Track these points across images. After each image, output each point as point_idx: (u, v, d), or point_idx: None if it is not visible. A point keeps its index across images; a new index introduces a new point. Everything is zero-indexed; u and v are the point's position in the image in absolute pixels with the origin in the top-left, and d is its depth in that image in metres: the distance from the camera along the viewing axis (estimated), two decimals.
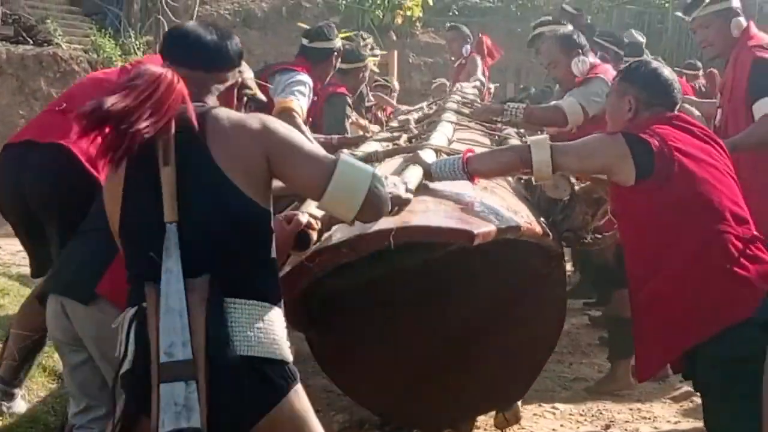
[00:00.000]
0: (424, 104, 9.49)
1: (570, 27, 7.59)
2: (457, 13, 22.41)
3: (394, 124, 7.79)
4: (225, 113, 3.15)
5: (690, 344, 3.89)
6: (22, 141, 4.82)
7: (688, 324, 3.89)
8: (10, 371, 5.15)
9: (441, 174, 4.47)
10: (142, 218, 3.03)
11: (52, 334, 4.09)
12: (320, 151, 3.27)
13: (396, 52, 15.46)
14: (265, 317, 3.00)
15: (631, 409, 6.24)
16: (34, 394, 5.55)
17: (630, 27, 20.65)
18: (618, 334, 6.53)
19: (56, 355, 5.94)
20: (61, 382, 5.65)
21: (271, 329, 3.01)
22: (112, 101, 2.88)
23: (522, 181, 5.36)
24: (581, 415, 6.11)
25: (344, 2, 20.42)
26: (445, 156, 4.84)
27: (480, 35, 11.70)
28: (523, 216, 4.45)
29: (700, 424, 5.54)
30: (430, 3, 21.31)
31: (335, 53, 7.18)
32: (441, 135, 5.65)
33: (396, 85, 12.74)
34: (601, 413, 6.13)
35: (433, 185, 4.41)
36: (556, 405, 6.01)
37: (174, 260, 2.90)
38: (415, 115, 7.93)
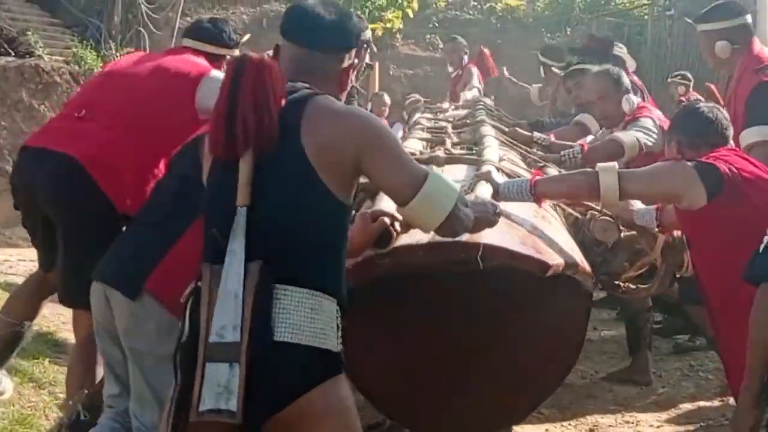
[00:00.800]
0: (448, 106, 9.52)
1: (611, 65, 7.58)
2: (437, 25, 22.47)
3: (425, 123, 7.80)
4: (326, 102, 3.18)
5: None
6: (39, 147, 4.93)
7: None
8: None
9: (509, 194, 4.54)
10: (218, 200, 3.12)
11: (95, 317, 4.08)
12: (411, 159, 3.34)
13: (377, 64, 15.52)
14: (315, 306, 3.01)
15: (614, 414, 6.29)
16: (26, 399, 5.57)
17: (610, 39, 20.89)
18: (638, 327, 6.79)
19: (45, 364, 6.01)
20: (49, 391, 5.72)
21: (319, 318, 3.02)
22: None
23: (572, 218, 5.39)
24: (565, 419, 6.16)
25: None
26: (506, 176, 4.93)
27: (481, 47, 11.85)
28: (577, 253, 4.49)
29: (682, 428, 5.63)
30: (411, 15, 21.38)
31: None
32: (494, 152, 5.67)
33: (387, 99, 12.86)
34: (584, 417, 6.18)
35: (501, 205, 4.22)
36: (541, 410, 6.04)
37: (239, 243, 2.95)
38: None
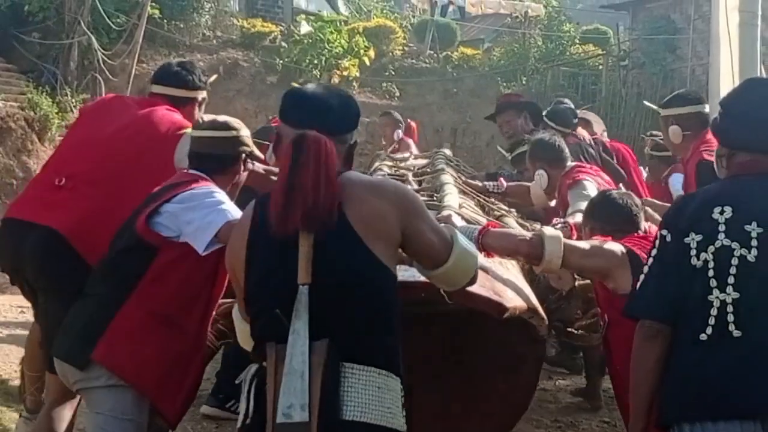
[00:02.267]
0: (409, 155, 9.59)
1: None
2: (393, 73, 22.60)
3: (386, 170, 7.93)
4: (358, 177, 3.26)
5: None
6: (21, 219, 5.00)
7: None
8: (34, 404, 5.35)
9: None
10: (273, 279, 3.09)
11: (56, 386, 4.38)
12: (437, 223, 3.45)
13: None
14: (381, 385, 3.01)
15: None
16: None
17: (564, 88, 21.09)
18: (592, 356, 7.00)
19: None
20: None
21: (387, 397, 3.02)
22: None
23: (528, 266, 5.24)
24: None
25: (281, 62, 20.54)
26: (465, 221, 5.00)
27: (408, 121, 11.98)
28: (533, 298, 4.52)
29: None
30: (367, 63, 21.50)
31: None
32: (454, 198, 5.78)
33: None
34: None
35: None
36: None
37: (303, 322, 2.94)
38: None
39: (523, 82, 22.05)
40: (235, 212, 4.06)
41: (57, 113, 16.11)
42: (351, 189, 3.14)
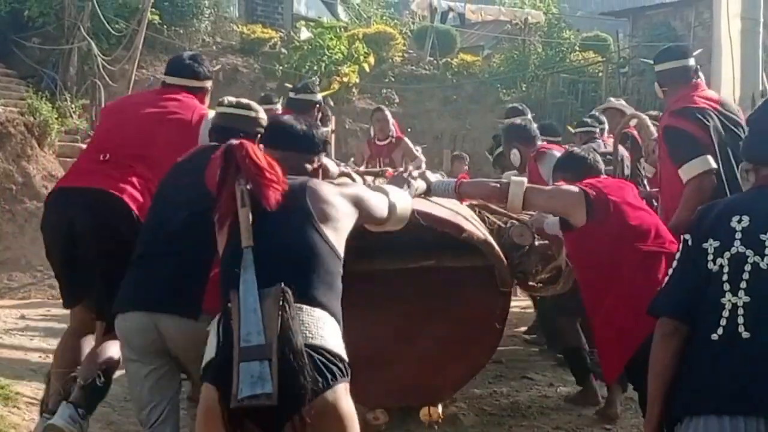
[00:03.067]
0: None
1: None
2: (393, 80, 22.63)
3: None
4: (319, 181, 4.14)
5: (640, 342, 4.36)
6: (75, 186, 5.67)
7: (637, 328, 4.49)
8: (57, 405, 5.47)
9: (437, 191, 5.65)
10: (232, 245, 3.86)
11: (131, 346, 4.79)
12: (377, 193, 4.45)
13: (333, 118, 15.55)
14: (323, 320, 3.72)
15: None
16: None
17: (564, 95, 21.10)
18: (577, 362, 7.57)
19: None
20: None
21: (329, 330, 3.72)
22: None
23: (495, 226, 6.57)
24: None
25: (281, 68, 20.54)
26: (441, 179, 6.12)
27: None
28: (494, 244, 5.97)
29: None
30: (367, 70, 21.51)
31: (317, 105, 8.86)
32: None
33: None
34: None
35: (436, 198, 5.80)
36: None
37: (250, 274, 3.66)
38: None
39: (523, 89, 22.07)
40: None
41: (56, 118, 16.06)
42: (315, 188, 3.99)
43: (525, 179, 5.54)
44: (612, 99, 8.71)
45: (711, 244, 3.54)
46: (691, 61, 6.43)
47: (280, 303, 3.59)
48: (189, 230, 4.76)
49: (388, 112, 11.72)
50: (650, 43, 21.69)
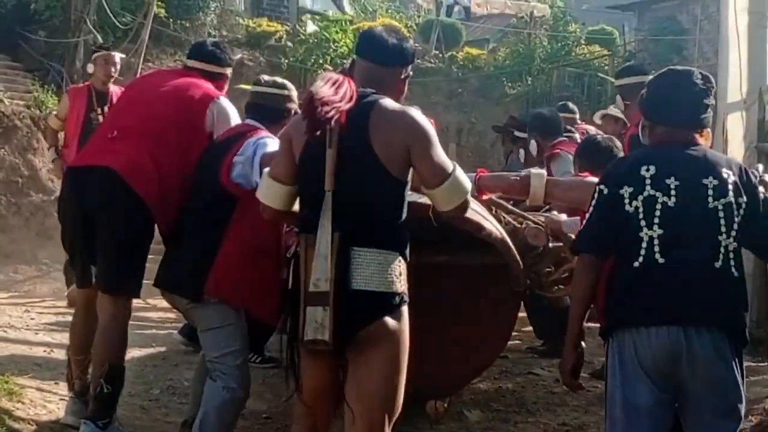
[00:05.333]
0: None
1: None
2: None
3: None
4: (387, 104, 4.31)
5: None
6: (84, 164, 6.04)
7: None
8: (81, 387, 6.12)
9: None
10: (310, 186, 4.25)
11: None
12: (444, 155, 4.40)
13: None
14: (381, 260, 4.17)
15: None
16: None
17: (570, 89, 21.04)
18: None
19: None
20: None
21: (386, 268, 4.19)
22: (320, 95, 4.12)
23: (510, 226, 6.55)
24: None
25: (287, 61, 20.51)
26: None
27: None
28: (511, 245, 6.03)
29: None
30: None
31: None
32: None
33: None
34: None
35: None
36: None
37: (327, 218, 4.07)
38: None
39: (529, 83, 22.00)
40: (275, 147, 5.20)
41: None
42: (378, 116, 4.23)
43: (544, 171, 6.00)
44: (612, 107, 8.86)
45: (626, 190, 4.26)
46: (650, 78, 6.65)
47: (338, 250, 4.06)
48: (202, 215, 5.50)
49: None
50: (656, 36, 21.66)
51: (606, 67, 21.93)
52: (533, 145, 8.62)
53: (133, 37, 17.81)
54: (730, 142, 11.33)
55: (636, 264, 4.20)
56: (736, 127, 11.41)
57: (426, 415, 6.32)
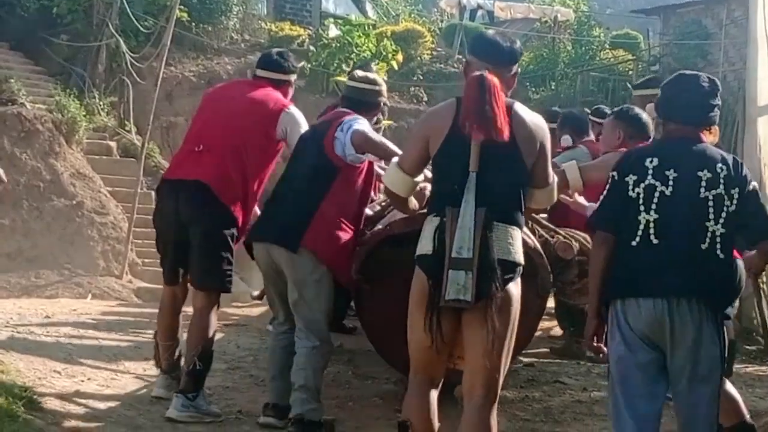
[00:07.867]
0: None
1: None
2: (422, 78, 22.53)
3: None
4: (522, 109, 5.01)
5: None
6: (176, 178, 6.77)
7: None
8: (169, 365, 7.01)
9: None
10: (455, 168, 4.87)
11: (264, 269, 6.47)
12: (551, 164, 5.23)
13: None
14: (513, 234, 4.89)
15: None
16: None
17: (594, 93, 20.90)
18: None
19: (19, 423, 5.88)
20: None
21: (515, 242, 4.89)
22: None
23: (542, 239, 7.06)
24: None
25: (309, 66, 20.43)
26: None
27: None
28: (543, 254, 6.63)
29: None
30: (395, 68, 21.37)
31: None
32: None
33: None
34: None
35: None
36: None
37: (471, 195, 4.75)
38: None
39: (552, 88, 21.91)
40: (364, 127, 6.36)
41: (85, 116, 16.07)
42: (520, 118, 4.92)
43: (574, 162, 6.71)
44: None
45: (631, 178, 4.87)
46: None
47: (483, 223, 4.69)
48: (305, 176, 6.27)
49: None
50: (681, 41, 21.48)
51: (630, 72, 21.79)
52: (567, 139, 9.14)
53: (155, 41, 17.76)
54: (765, 144, 11.24)
55: (633, 243, 4.85)
56: None
57: (454, 402, 6.21)
